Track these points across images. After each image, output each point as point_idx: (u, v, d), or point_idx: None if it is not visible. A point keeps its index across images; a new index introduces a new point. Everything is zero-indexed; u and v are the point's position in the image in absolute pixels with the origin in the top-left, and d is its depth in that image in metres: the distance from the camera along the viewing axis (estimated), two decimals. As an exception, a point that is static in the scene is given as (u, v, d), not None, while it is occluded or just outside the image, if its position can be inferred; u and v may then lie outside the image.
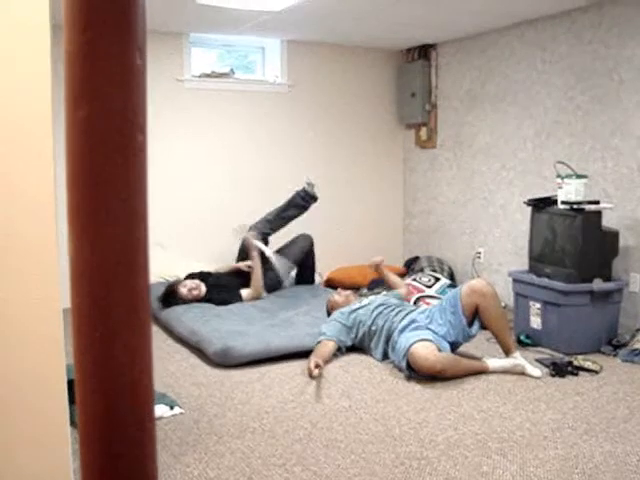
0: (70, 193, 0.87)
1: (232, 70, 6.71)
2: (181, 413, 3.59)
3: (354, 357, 4.55)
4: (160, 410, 3.52)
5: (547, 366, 4.34)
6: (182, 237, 6.46)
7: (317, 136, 7.00)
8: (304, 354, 4.50)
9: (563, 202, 4.81)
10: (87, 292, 0.87)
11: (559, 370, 4.24)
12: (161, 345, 4.91)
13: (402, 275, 6.54)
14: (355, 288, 6.04)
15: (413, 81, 7.00)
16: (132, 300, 0.88)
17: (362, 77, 7.15)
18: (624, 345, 4.69)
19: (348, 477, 2.88)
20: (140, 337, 0.89)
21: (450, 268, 6.65)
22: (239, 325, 4.83)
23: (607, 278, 4.80)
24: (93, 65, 0.81)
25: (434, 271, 6.39)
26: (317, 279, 6.36)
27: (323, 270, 6.60)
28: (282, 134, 6.84)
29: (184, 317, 5.07)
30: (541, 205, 5.04)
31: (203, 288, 5.58)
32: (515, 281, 5.17)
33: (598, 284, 4.72)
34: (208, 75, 6.55)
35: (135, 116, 0.83)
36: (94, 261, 0.85)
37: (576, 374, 4.26)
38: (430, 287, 5.90)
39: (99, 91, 0.81)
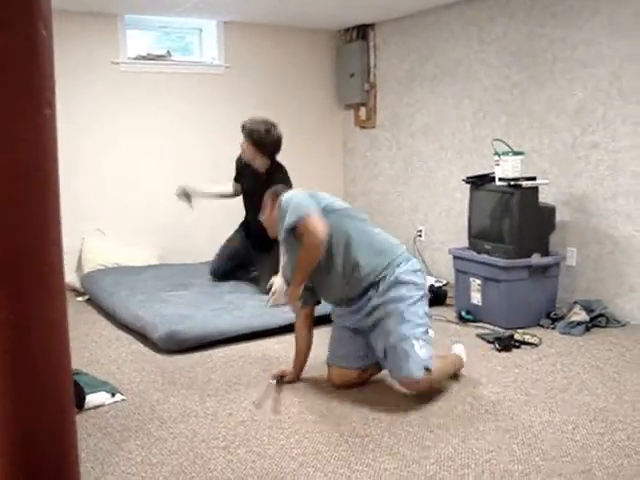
0: (-25, 169, 0.83)
1: (169, 52, 6.60)
2: (123, 400, 3.54)
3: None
4: (101, 397, 3.47)
5: (490, 342, 4.40)
6: (123, 223, 6.36)
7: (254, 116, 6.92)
8: (249, 336, 4.52)
9: (500, 179, 4.87)
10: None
11: (505, 345, 4.30)
12: (102, 332, 4.84)
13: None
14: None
15: (351, 61, 7.00)
16: (46, 280, 0.84)
17: (300, 58, 7.12)
18: (562, 318, 4.79)
19: (292, 457, 2.88)
20: (56, 319, 0.85)
21: (392, 247, 6.68)
22: (184, 309, 4.78)
23: (545, 253, 4.89)
24: (-6, 35, 0.78)
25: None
26: None
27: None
28: (221, 115, 6.75)
29: (128, 302, 5.00)
30: (479, 182, 5.10)
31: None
32: (455, 258, 5.23)
33: (536, 259, 4.81)
34: (144, 57, 6.44)
35: (41, 89, 0.80)
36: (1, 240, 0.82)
37: (518, 347, 4.34)
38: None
39: (1, 62, 0.78)
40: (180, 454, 2.92)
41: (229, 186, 5.65)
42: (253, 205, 4.98)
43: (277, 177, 5.13)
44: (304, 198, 3.50)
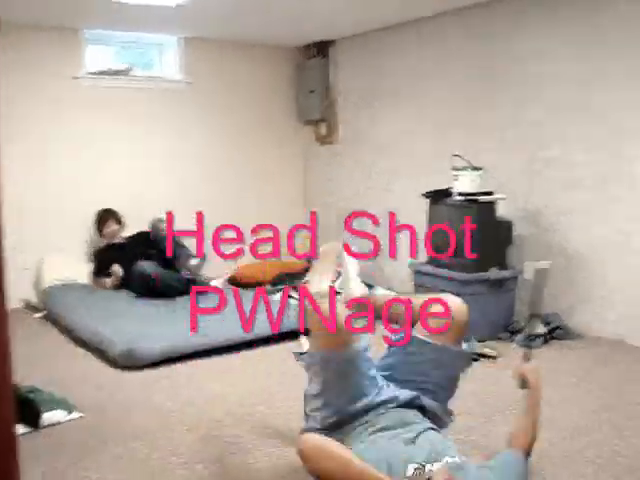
0: None
1: (130, 67, 6.58)
2: (80, 417, 3.50)
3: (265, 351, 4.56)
4: (58, 415, 3.42)
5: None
6: (82, 240, 6.28)
7: (216, 134, 6.94)
8: (208, 352, 4.51)
9: (459, 194, 4.93)
10: None
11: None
12: (60, 349, 4.78)
13: (305, 271, 6.54)
14: (258, 284, 6.06)
15: (312, 77, 7.04)
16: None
17: (261, 74, 7.14)
18: (519, 331, 4.85)
19: (253, 473, 2.87)
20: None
21: (354, 262, 6.70)
22: (143, 325, 4.76)
23: (503, 267, 4.95)
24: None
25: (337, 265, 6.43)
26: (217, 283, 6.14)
27: (227, 268, 6.55)
28: (181, 131, 6.75)
29: (87, 318, 4.96)
30: (438, 197, 5.15)
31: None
32: (415, 272, 5.26)
33: (494, 273, 4.86)
34: (105, 73, 6.41)
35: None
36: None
37: (477, 360, 4.38)
38: (333, 282, 5.95)
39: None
40: (137, 472, 2.89)
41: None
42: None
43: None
44: None
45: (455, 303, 2.79)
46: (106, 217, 6.16)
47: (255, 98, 7.13)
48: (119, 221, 6.20)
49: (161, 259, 5.89)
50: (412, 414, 2.66)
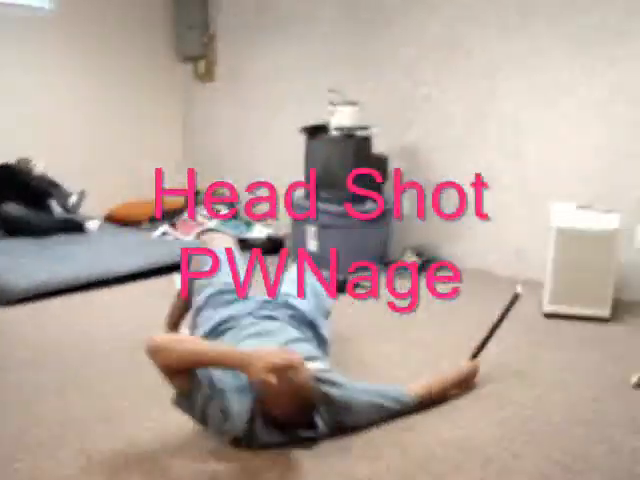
0: None
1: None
2: (-54, 353, 3.38)
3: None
4: None
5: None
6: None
7: (86, 68, 6.62)
8: (83, 288, 4.44)
9: (336, 128, 4.98)
10: None
11: (341, 288, 4.51)
12: None
13: (182, 209, 6.47)
14: (136, 222, 5.99)
15: (190, 12, 6.84)
16: None
17: (135, 8, 6.84)
18: (393, 262, 5.01)
19: (124, 397, 2.87)
20: None
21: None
22: (12, 259, 4.62)
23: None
24: None
25: (215, 204, 6.44)
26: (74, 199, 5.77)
27: (104, 208, 6.38)
28: (44, 67, 6.32)
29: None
30: (315, 132, 5.18)
31: None
32: (294, 206, 5.29)
33: (370, 206, 4.96)
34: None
35: None
36: None
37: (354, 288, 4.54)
38: (211, 220, 5.99)
39: None
40: (8, 401, 2.83)
41: None
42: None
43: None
44: None
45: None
46: None
47: (128, 32, 6.79)
48: None
49: (28, 199, 5.60)
50: (286, 324, 2.86)
